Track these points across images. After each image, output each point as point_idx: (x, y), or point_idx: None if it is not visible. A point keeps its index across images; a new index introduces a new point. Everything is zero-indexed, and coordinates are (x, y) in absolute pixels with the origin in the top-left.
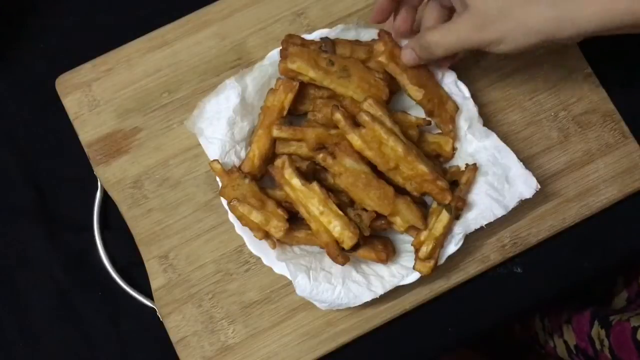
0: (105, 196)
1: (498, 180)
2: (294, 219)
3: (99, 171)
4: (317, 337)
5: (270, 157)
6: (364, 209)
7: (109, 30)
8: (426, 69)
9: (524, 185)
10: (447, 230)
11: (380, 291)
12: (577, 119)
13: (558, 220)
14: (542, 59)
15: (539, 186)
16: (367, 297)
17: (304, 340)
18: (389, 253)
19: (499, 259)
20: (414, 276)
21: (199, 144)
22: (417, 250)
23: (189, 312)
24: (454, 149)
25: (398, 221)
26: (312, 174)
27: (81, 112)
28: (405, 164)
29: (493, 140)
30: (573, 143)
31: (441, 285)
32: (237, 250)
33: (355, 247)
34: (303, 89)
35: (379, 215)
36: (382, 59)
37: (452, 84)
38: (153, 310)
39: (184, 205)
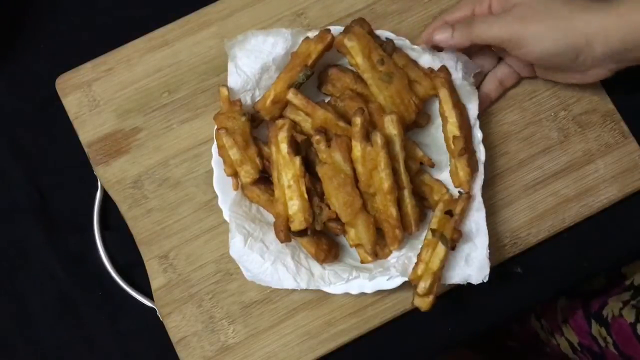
0: (105, 196)
1: (459, 254)
2: (268, 181)
3: (99, 171)
4: (317, 337)
5: (283, 106)
6: (328, 206)
7: (109, 30)
8: (470, 123)
9: (477, 270)
10: (445, 263)
11: (303, 285)
12: (577, 119)
13: (558, 220)
14: None
15: (487, 278)
16: (290, 285)
17: (304, 340)
18: (329, 256)
19: (499, 259)
20: (340, 288)
21: (199, 144)
22: (415, 286)
23: (189, 312)
24: (439, 202)
25: (351, 233)
26: (303, 151)
27: (81, 112)
28: (382, 198)
29: (480, 216)
30: (573, 143)
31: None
32: None
33: (301, 233)
34: (341, 74)
35: (339, 218)
36: (441, 81)
37: (478, 145)
38: (153, 310)
39: (184, 205)
